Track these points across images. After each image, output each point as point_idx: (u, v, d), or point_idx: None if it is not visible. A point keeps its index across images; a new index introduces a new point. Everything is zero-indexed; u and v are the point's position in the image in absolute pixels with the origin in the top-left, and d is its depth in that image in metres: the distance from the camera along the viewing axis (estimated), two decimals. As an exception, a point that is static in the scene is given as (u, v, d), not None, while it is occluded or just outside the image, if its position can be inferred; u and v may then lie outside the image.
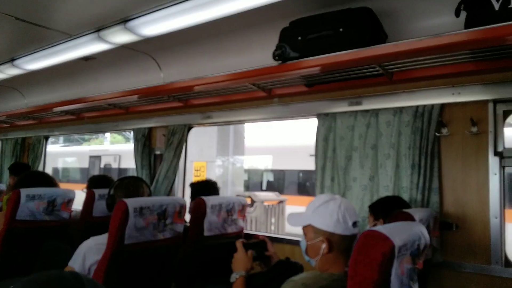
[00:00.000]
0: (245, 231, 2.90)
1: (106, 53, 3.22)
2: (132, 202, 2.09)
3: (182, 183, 3.92)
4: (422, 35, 2.01)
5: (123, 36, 2.82)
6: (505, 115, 2.30)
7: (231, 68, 2.89)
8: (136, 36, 2.79)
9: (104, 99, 3.84)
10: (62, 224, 2.93)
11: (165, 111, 3.97)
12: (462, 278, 2.29)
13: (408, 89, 2.55)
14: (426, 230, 1.55)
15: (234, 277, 1.73)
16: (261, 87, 3.11)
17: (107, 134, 23.39)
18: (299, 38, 2.45)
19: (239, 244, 1.84)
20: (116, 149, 15.13)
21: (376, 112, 2.65)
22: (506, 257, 2.22)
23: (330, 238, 1.58)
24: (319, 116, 2.92)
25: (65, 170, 16.01)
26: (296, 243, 2.94)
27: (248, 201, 6.75)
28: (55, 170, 15.34)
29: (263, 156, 10.75)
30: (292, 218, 1.76)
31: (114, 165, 13.24)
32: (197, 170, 8.36)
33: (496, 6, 1.87)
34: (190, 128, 3.87)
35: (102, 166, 13.68)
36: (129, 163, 11.97)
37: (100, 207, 3.08)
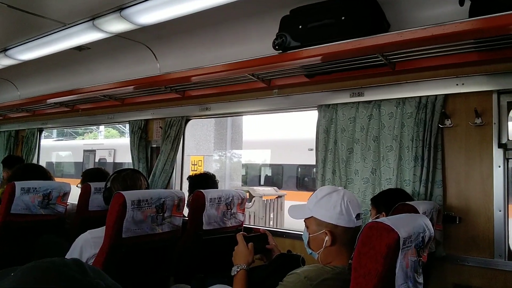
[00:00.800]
0: (244, 225, 2.86)
1: (101, 43, 3.14)
2: (129, 195, 2.04)
3: (180, 176, 3.87)
4: (426, 24, 1.96)
5: (119, 25, 2.75)
6: (510, 106, 2.26)
7: (229, 58, 2.83)
8: (132, 24, 2.72)
9: (99, 90, 3.77)
10: (57, 218, 2.87)
11: (162, 103, 3.91)
12: (465, 271, 2.26)
13: (411, 79, 2.50)
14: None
15: (235, 270, 1.69)
16: (260, 78, 3.05)
17: (102, 128, 23.29)
18: (300, 26, 2.40)
19: (239, 237, 1.80)
20: (111, 143, 15.05)
21: (378, 104, 2.61)
22: (509, 250, 2.19)
23: (333, 231, 1.54)
24: (320, 107, 2.87)
25: (59, 164, 15.91)
26: (296, 236, 2.91)
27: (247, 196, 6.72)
28: (49, 164, 15.24)
29: (261, 150, 10.70)
30: (294, 210, 1.71)
31: (109, 159, 13.17)
32: (194, 165, 8.31)
33: (502, -6, 1.82)
34: (187, 120, 3.81)
35: (96, 160, 13.60)
36: (124, 157, 11.91)
37: (96, 200, 3.02)
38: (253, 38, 2.89)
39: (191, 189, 2.96)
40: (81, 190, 3.05)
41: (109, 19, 2.67)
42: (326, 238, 1.54)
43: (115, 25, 2.76)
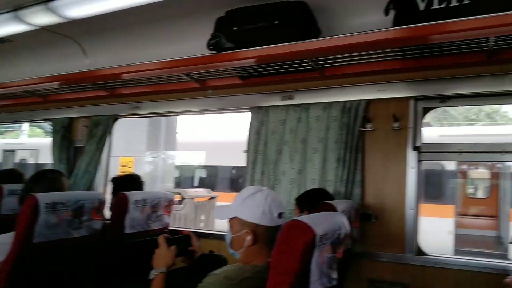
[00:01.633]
0: (170, 227, 2.78)
1: (25, 35, 2.92)
2: (43, 197, 1.88)
3: (104, 178, 3.67)
4: (354, 32, 2.06)
5: (45, 17, 2.58)
6: (425, 111, 2.45)
7: (163, 57, 2.76)
8: (59, 17, 2.56)
9: (20, 86, 3.48)
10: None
11: (89, 100, 3.70)
12: (379, 266, 2.40)
13: (337, 85, 2.62)
14: (347, 220, 1.58)
15: (153, 273, 1.63)
16: (194, 78, 3.01)
17: (25, 127, 21.54)
18: (235, 28, 2.40)
19: (161, 239, 1.74)
20: (34, 142, 13.94)
21: (306, 107, 2.69)
22: (418, 247, 2.36)
23: (256, 230, 1.55)
24: (252, 109, 2.90)
25: (-26, 165, 14.41)
26: (222, 237, 2.88)
27: (178, 198, 6.55)
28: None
29: (196, 152, 10.54)
30: (219, 210, 1.69)
31: (31, 160, 12.18)
32: (123, 166, 7.96)
33: (421, 6, 1.97)
34: (116, 119, 3.64)
35: (17, 161, 12.52)
36: (48, 158, 11.07)
37: (9, 203, 2.75)
38: (187, 38, 2.85)
39: (115, 191, 2.81)
40: (-8, 192, 2.76)
41: (34, 11, 2.49)
42: (248, 237, 1.54)
43: (40, 18, 2.59)
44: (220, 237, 2.89)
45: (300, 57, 2.42)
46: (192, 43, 2.77)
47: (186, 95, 3.26)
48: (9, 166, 12.11)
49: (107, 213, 2.41)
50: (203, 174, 10.48)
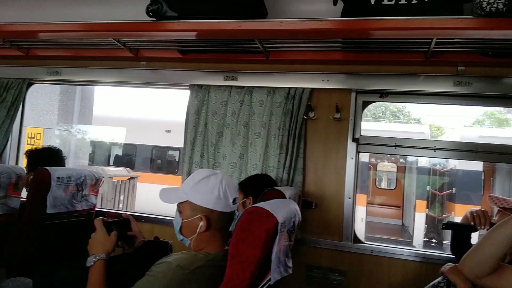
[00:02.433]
0: (97, 208, 2.54)
1: None
2: None
3: (16, 150, 3.23)
4: (301, 17, 2.03)
5: None
6: (364, 105, 2.55)
7: (90, 18, 2.47)
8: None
9: None
10: None
11: (-3, 60, 3.19)
12: (317, 253, 2.47)
13: (283, 70, 2.59)
14: (296, 207, 1.58)
15: (91, 260, 1.45)
16: (127, 46, 2.74)
17: None
18: (179, -4, 2.21)
19: (98, 222, 1.56)
20: None
21: (250, 90, 2.63)
22: (355, 234, 2.48)
23: (209, 215, 1.46)
24: (192, 87, 2.74)
25: None
26: (155, 221, 2.74)
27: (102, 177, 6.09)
28: None
29: (113, 128, 9.87)
30: (166, 193, 1.57)
31: None
32: (31, 138, 7.13)
33: (372, 0, 2.00)
34: (30, 84, 3.20)
35: None
36: None
37: None
38: (121, 0, 2.57)
39: (30, 166, 2.47)
40: None
41: None
42: (201, 223, 1.45)
43: None
44: (153, 221, 2.73)
45: (247, 36, 2.32)
46: (125, 6, 2.54)
47: (115, 63, 2.97)
48: None
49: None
50: (120, 152, 9.88)
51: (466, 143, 2.47)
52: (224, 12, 2.16)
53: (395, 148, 2.45)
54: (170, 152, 9.34)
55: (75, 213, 2.34)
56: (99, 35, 2.55)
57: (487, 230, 1.71)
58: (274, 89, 2.58)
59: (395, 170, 10.13)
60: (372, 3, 2.02)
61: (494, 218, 1.99)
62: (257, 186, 2.15)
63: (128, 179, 7.07)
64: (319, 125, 2.55)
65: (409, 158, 9.04)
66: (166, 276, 1.29)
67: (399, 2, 2.00)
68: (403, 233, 9.21)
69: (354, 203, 2.46)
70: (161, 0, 2.21)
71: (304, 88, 2.54)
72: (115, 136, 9.92)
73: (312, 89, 2.55)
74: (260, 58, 2.59)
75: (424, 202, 8.18)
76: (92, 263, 1.44)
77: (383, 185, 10.63)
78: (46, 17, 2.63)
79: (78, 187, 2.36)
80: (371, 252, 2.40)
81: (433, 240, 7.83)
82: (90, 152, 9.72)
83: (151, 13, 2.22)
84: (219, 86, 2.69)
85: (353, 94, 2.50)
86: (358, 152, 2.49)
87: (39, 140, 7.14)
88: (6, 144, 3.11)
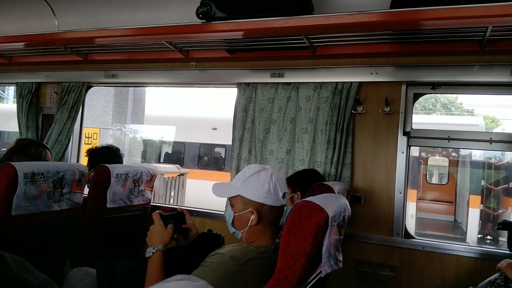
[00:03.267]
0: (152, 203, 2.68)
1: (-13, -10, 2.62)
2: (21, 166, 1.74)
3: (77, 149, 3.46)
4: (349, 10, 2.00)
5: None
6: (415, 97, 2.47)
7: (143, 23, 2.57)
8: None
9: (-22, 44, 3.15)
10: None
11: (59, 65, 3.44)
12: (366, 248, 2.44)
13: (329, 65, 2.58)
14: (346, 202, 1.57)
15: (150, 251, 1.54)
16: (178, 48, 2.85)
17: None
18: (227, -3, 2.27)
19: (156, 216, 1.65)
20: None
21: (297, 86, 2.63)
22: (405, 230, 2.42)
23: (260, 209, 1.50)
24: (239, 85, 2.80)
25: None
26: (206, 215, 2.83)
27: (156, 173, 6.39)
28: None
29: (164, 127, 10.26)
30: (219, 188, 1.63)
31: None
32: (88, 137, 7.60)
33: (423, -11, 1.93)
34: (89, 87, 3.42)
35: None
36: (2, 124, 10.39)
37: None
38: (172, 4, 2.67)
39: (91, 164, 2.65)
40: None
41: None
42: (252, 216, 1.49)
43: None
44: (204, 214, 2.83)
45: (294, 33, 2.33)
46: (177, 10, 2.62)
47: (167, 65, 3.10)
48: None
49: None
50: (169, 149, 10.25)
51: None
52: (271, 10, 2.19)
53: (448, 141, 2.36)
54: (217, 149, 9.56)
55: (132, 207, 2.48)
56: (151, 38, 2.68)
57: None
58: (321, 84, 2.57)
59: (447, 164, 9.65)
60: (421, -7, 1.96)
61: None
62: (305, 181, 2.17)
63: (178, 175, 7.33)
64: (368, 119, 2.51)
65: (462, 152, 8.59)
66: (220, 267, 1.34)
67: (452, -10, 1.93)
68: (456, 230, 8.77)
69: (405, 198, 2.39)
70: (210, 2, 2.28)
71: (352, 82, 2.51)
72: (165, 134, 10.31)
73: (360, 82, 2.51)
74: (306, 54, 2.59)
75: (479, 197, 7.74)
76: (151, 254, 1.53)
77: (434, 180, 10.19)
78: (102, 23, 2.79)
79: (135, 183, 2.50)
80: (423, 248, 2.33)
81: (488, 237, 7.41)
82: (142, 150, 10.18)
83: (200, 15, 2.29)
84: (266, 83, 2.72)
85: (404, 87, 2.43)
86: (409, 146, 2.42)
87: (96, 139, 7.59)
88: (68, 143, 3.34)
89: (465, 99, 18.61)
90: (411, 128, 2.44)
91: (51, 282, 0.48)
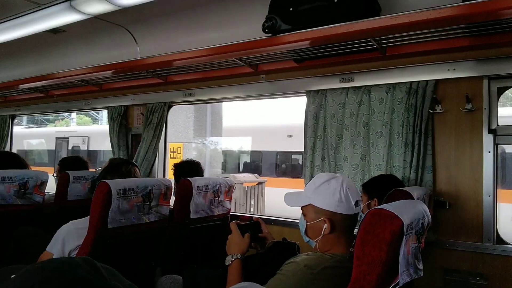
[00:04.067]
0: (231, 213, 2.80)
1: (77, 25, 2.97)
2: (115, 184, 1.94)
3: (163, 164, 3.76)
4: (417, 8, 1.92)
5: (97, 6, 2.59)
6: (500, 92, 2.27)
7: (214, 42, 2.72)
8: (111, 5, 2.56)
9: (75, 75, 3.59)
10: (34, 208, 2.73)
11: (143, 88, 3.77)
12: (454, 256, 2.28)
13: (402, 65, 2.48)
14: (427, 208, 1.50)
15: (229, 259, 1.63)
16: (247, 63, 2.96)
17: (73, 115, 22.59)
18: (291, 9, 2.32)
19: (233, 225, 1.74)
20: (85, 130, 14.59)
21: (368, 89, 2.58)
22: (497, 235, 2.22)
23: (332, 218, 1.50)
24: (308, 93, 2.82)
25: (31, 152, 15.31)
26: (284, 223, 2.88)
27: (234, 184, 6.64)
28: (20, 152, 14.64)
29: (241, 137, 10.61)
30: (290, 198, 1.66)
31: (83, 147, 12.78)
32: (173, 152, 8.15)
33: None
34: (170, 106, 3.69)
35: (70, 148, 13.18)
36: (98, 144, 11.56)
37: (75, 189, 2.90)
38: (238, 21, 2.78)
39: (176, 177, 2.87)
40: (59, 179, 2.91)
41: (87, 0, 2.52)
42: (325, 225, 1.49)
43: (93, 6, 2.60)
44: (282, 223, 2.88)
45: (361, 36, 2.29)
46: (243, 26, 2.72)
47: (238, 80, 3.23)
48: (64, 153, 12.79)
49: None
50: (247, 159, 10.56)
51: None
52: (336, 16, 2.19)
53: (543, 137, 2.12)
54: (294, 156, 9.59)
55: (214, 217, 2.62)
56: (223, 56, 2.83)
57: None
58: (394, 85, 2.48)
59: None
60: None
61: None
62: (381, 187, 2.10)
63: (257, 184, 7.51)
64: (448, 118, 2.36)
65: None
66: (296, 276, 1.37)
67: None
68: None
69: (495, 200, 2.20)
70: (275, 16, 2.35)
71: (427, 80, 2.39)
72: (242, 144, 10.64)
73: (437, 80, 2.38)
74: (376, 56, 2.53)
75: None
76: (230, 262, 1.62)
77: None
78: (178, 46, 2.99)
79: (214, 194, 2.64)
80: None
81: None
82: (222, 161, 10.62)
83: (267, 30, 2.38)
84: (336, 89, 2.71)
85: (485, 81, 2.25)
86: (496, 144, 2.22)
87: (180, 153, 8.12)
88: (155, 160, 3.64)
89: None
90: (498, 125, 2.24)
91: (135, 288, 0.55)
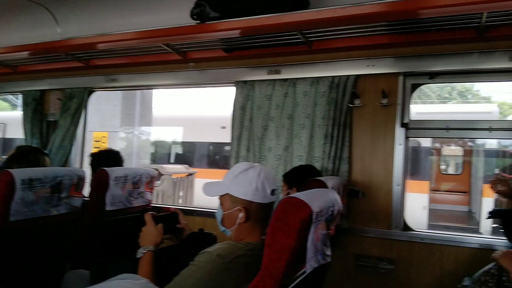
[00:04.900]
0: (152, 204, 2.70)
1: (-11, 1, 2.68)
2: (18, 173, 1.77)
3: (80, 153, 3.52)
4: (344, 4, 1.98)
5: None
6: (413, 88, 2.43)
7: (141, 26, 2.60)
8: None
9: (-14, 55, 3.23)
10: None
11: (62, 72, 3.50)
12: (366, 242, 2.42)
13: (326, 59, 2.56)
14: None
15: (141, 252, 1.56)
16: (175, 49, 2.87)
17: (-11, 101, 20.55)
18: (220, -4, 2.28)
19: (148, 216, 1.66)
20: (0, 116, 13.31)
21: (294, 82, 2.62)
22: (404, 222, 2.39)
23: (248, 207, 1.50)
24: (237, 84, 2.80)
25: None
26: (206, 214, 2.85)
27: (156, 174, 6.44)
28: None
29: (172, 128, 10.34)
30: (209, 187, 1.63)
31: (-2, 135, 11.66)
32: (97, 141, 7.71)
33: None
34: (91, 92, 3.46)
35: (-17, 135, 11.95)
36: (16, 132, 10.60)
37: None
38: (168, 6, 2.68)
39: (93, 168, 2.69)
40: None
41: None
42: (240, 214, 1.49)
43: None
44: (204, 214, 2.85)
45: (289, 29, 2.33)
46: (173, 12, 2.62)
47: (166, 67, 3.12)
48: (-25, 140, 11.55)
49: (86, 190, 2.30)
50: (179, 150, 10.33)
51: None
52: (265, 7, 2.18)
53: (447, 131, 2.31)
54: (227, 148, 9.58)
55: (132, 209, 2.50)
56: (149, 41, 2.71)
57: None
58: (318, 79, 2.55)
59: (461, 154, 9.45)
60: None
61: None
62: (300, 177, 2.15)
63: (187, 175, 7.37)
64: (365, 112, 2.48)
65: (478, 141, 8.41)
66: (207, 265, 1.34)
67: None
68: (470, 220, 8.60)
69: (404, 190, 2.36)
70: (204, 2, 2.29)
71: (348, 75, 2.48)
72: (175, 135, 10.39)
73: (357, 75, 2.48)
74: (302, 49, 2.58)
75: (493, 187, 7.55)
76: (142, 255, 1.55)
77: (450, 170, 10.00)
78: (102, 29, 2.82)
79: (134, 185, 2.52)
80: (422, 240, 2.31)
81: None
82: (152, 151, 10.27)
83: (195, 16, 2.31)
84: (263, 80, 2.72)
85: (401, 78, 2.40)
86: (407, 137, 2.39)
87: (104, 143, 7.70)
88: (71, 148, 3.40)
89: (483, 87, 18.22)
90: (409, 120, 2.40)
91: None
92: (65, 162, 3.37)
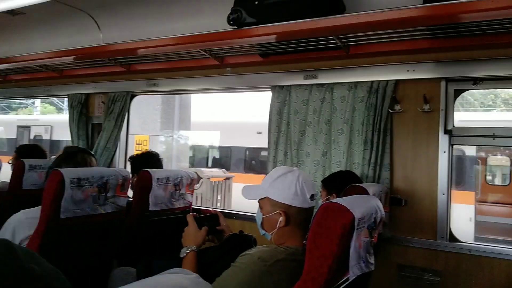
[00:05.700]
0: (193, 206, 2.77)
1: (37, 8, 2.85)
2: (68, 173, 1.87)
3: (124, 155, 3.67)
4: (381, 8, 1.96)
5: (57, -13, 2.50)
6: (456, 94, 2.36)
7: (180, 32, 2.68)
8: (71, -12, 2.47)
9: (35, 60, 3.44)
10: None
11: (105, 76, 3.65)
12: (409, 252, 2.35)
13: (364, 64, 2.53)
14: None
15: (184, 251, 1.61)
16: (213, 55, 2.93)
17: (37, 104, 21.71)
18: (256, 2, 2.31)
19: (190, 217, 1.72)
20: (48, 119, 14.03)
21: (331, 87, 2.61)
22: (451, 232, 2.31)
23: (288, 211, 1.51)
24: (273, 88, 2.82)
25: (-12, 141, 14.58)
26: (246, 218, 2.88)
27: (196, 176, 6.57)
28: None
29: (210, 132, 10.53)
30: (248, 190, 1.66)
31: (45, 137, 12.29)
32: (138, 144, 7.98)
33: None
34: (133, 96, 3.60)
35: (32, 137, 12.65)
36: (62, 134, 11.15)
37: (31, 178, 2.78)
38: (205, 12, 2.75)
39: (134, 170, 2.79)
40: (13, 167, 2.78)
41: (45, -20, 2.41)
42: (280, 218, 1.50)
43: (52, -13, 2.50)
44: (244, 217, 2.88)
45: (325, 34, 2.32)
46: (210, 18, 2.68)
47: (203, 72, 3.19)
48: (24, 142, 12.25)
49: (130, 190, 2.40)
50: (216, 154, 10.49)
51: None
52: (301, 11, 2.20)
53: (494, 139, 2.22)
54: (263, 153, 9.63)
55: (174, 210, 2.58)
56: (187, 47, 2.78)
57: None
58: (356, 84, 2.53)
59: (509, 164, 8.97)
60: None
61: None
62: (340, 183, 2.14)
63: (224, 179, 7.48)
64: (406, 118, 2.43)
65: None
66: (249, 268, 1.37)
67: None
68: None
69: (449, 199, 2.28)
70: (240, 8, 2.34)
71: (388, 80, 2.44)
72: (211, 139, 10.57)
73: (397, 80, 2.44)
74: (339, 54, 2.56)
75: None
76: (185, 254, 1.60)
77: (497, 180, 9.51)
78: (143, 35, 2.92)
79: (175, 186, 2.60)
80: (470, 252, 2.21)
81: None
82: (190, 155, 10.50)
83: (232, 22, 2.36)
84: (300, 85, 2.72)
85: (443, 83, 2.33)
86: (451, 144, 2.31)
87: (146, 146, 7.96)
88: (116, 150, 3.54)
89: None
90: (453, 126, 2.33)
91: (58, 273, 0.53)
92: (110, 164, 3.52)
